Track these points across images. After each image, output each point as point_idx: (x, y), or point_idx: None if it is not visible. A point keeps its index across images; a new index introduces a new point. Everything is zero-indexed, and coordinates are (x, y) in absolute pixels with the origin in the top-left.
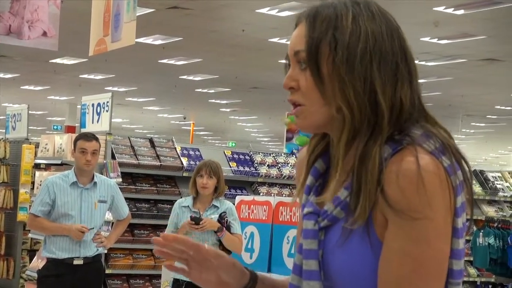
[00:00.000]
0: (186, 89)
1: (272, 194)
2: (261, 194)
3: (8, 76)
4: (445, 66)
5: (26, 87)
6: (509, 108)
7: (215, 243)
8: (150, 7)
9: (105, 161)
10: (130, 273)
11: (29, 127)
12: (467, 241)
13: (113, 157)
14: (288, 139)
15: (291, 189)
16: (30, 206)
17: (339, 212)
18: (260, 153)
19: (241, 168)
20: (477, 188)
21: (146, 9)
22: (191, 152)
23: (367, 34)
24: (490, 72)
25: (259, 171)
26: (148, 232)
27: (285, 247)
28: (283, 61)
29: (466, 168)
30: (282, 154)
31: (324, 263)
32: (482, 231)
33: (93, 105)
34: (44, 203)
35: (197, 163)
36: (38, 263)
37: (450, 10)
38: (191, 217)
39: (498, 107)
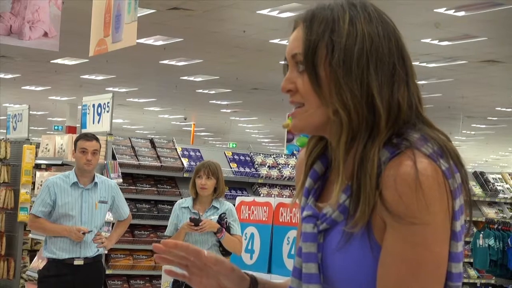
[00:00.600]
0: (187, 90)
1: (273, 195)
2: (262, 195)
3: (9, 76)
4: (445, 67)
5: (27, 87)
6: (509, 109)
7: (215, 244)
8: (151, 8)
9: (105, 162)
10: (130, 273)
11: (30, 128)
12: (467, 242)
13: (113, 157)
14: (289, 140)
15: (291, 190)
16: (30, 206)
17: (338, 216)
18: (261, 154)
19: (241, 169)
20: (477, 190)
21: (147, 10)
22: (192, 153)
23: (363, 36)
24: (491, 74)
25: (260, 172)
26: (148, 232)
27: (285, 248)
28: (284, 62)
29: (463, 171)
30: (283, 155)
31: (324, 266)
32: (482, 232)
33: (94, 105)
34: (44, 204)
35: (198, 164)
36: (38, 263)
37: (451, 12)
38: (190, 218)
39: (499, 108)
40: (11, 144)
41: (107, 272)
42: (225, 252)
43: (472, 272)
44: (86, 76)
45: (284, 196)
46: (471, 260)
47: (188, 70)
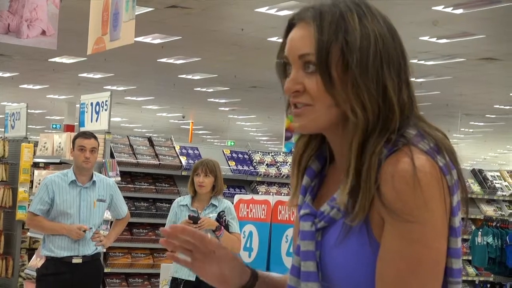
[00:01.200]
0: (185, 88)
1: (271, 193)
2: (260, 193)
3: (7, 75)
4: (444, 65)
5: (25, 86)
6: (508, 107)
7: None
8: (149, 6)
9: (104, 160)
10: (129, 272)
11: (28, 126)
12: (466, 240)
13: (112, 156)
14: (287, 138)
15: (289, 188)
16: (28, 205)
17: (336, 213)
18: (259, 152)
19: (240, 167)
20: (475, 187)
21: (145, 8)
22: (190, 151)
23: (375, 36)
24: (489, 71)
25: (258, 170)
26: (146, 231)
27: (284, 246)
28: (280, 60)
29: (459, 168)
30: (281, 153)
31: (322, 264)
32: (480, 230)
33: (92, 104)
34: (43, 202)
35: (196, 162)
36: (37, 261)
37: (449, 9)
38: (189, 216)
39: (497, 106)
40: (9, 143)
41: (106, 270)
42: None
43: (471, 270)
44: (84, 75)
45: (282, 194)
46: (470, 258)
47: (186, 68)
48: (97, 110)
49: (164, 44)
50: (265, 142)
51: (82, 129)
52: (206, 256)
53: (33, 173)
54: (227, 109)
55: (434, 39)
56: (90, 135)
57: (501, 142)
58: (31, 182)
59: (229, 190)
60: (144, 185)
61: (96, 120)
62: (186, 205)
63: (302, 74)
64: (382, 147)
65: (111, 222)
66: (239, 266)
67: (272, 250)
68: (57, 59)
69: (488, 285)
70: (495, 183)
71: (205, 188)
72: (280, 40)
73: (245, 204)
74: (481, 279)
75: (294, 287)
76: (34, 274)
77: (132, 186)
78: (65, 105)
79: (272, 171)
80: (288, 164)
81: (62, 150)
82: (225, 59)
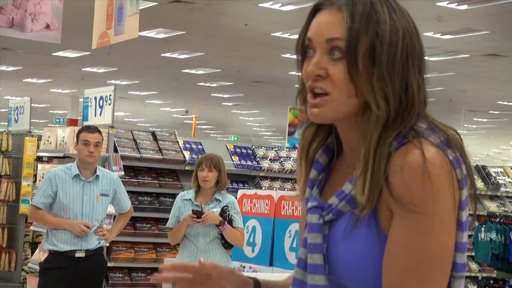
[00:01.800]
0: (189, 83)
1: (274, 188)
2: (263, 188)
3: (11, 69)
4: (447, 61)
5: (29, 80)
6: (511, 103)
7: (217, 237)
8: (153, 0)
9: (107, 154)
10: (131, 266)
11: (32, 120)
12: (469, 236)
13: (115, 150)
14: (290, 134)
15: (293, 183)
16: (32, 198)
17: (344, 206)
18: (262, 147)
19: (243, 162)
20: (479, 184)
21: (149, 3)
22: (194, 146)
23: (404, 31)
24: (493, 68)
25: (261, 165)
26: (150, 225)
27: (287, 241)
28: (286, 55)
29: (468, 164)
30: (284, 148)
31: (329, 257)
32: (484, 226)
33: (95, 98)
34: (46, 195)
35: (199, 156)
36: (40, 255)
37: (453, 5)
38: (193, 210)
39: (501, 102)
40: (12, 137)
41: (109, 264)
42: (227, 245)
43: (474, 266)
44: (87, 69)
45: (286, 189)
46: (473, 254)
47: (189, 63)
48: (101, 104)
49: (168, 38)
50: (268, 137)
51: (85, 123)
52: (204, 284)
53: (37, 167)
54: (230, 104)
55: (438, 35)
56: (94, 129)
57: (504, 138)
58: (35, 176)
59: (232, 185)
60: (148, 180)
61: (100, 115)
62: (190, 199)
63: (327, 59)
64: (392, 139)
65: (114, 217)
66: (239, 279)
67: (275, 245)
68: (61, 53)
69: (491, 281)
70: (499, 179)
71: (209, 183)
72: (284, 36)
73: (249, 199)
74: (484, 275)
75: (300, 280)
76: (37, 268)
77: (136, 180)
78: (69, 99)
79: (276, 166)
80: (291, 159)
81: (66, 144)
82: (229, 54)
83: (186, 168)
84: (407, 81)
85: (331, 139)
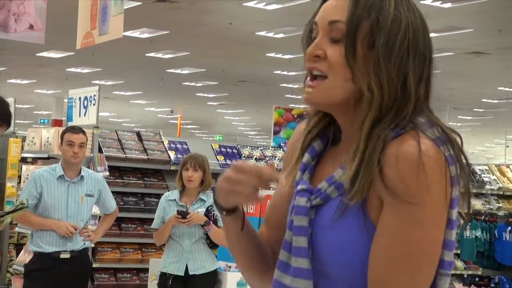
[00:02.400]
0: (173, 83)
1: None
2: None
3: None
4: None
5: (13, 80)
6: (496, 101)
7: (202, 237)
8: (137, 0)
9: (92, 155)
10: (117, 267)
11: (16, 121)
12: None
13: (100, 150)
14: (276, 133)
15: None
16: (16, 200)
17: (333, 191)
18: (248, 147)
19: (228, 162)
20: None
21: (133, 3)
22: (179, 146)
23: (407, 25)
24: (477, 65)
25: None
26: (135, 226)
27: None
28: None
29: (465, 163)
30: (270, 148)
31: (314, 243)
32: (469, 224)
33: (80, 98)
34: (31, 196)
35: (185, 156)
36: (25, 257)
37: (437, 3)
38: (177, 211)
39: (485, 100)
40: None
41: (94, 265)
42: (213, 245)
43: (459, 264)
44: (72, 69)
45: (271, 188)
46: (458, 252)
47: (174, 63)
48: (85, 104)
49: (152, 38)
50: (253, 136)
51: (70, 124)
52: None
53: (21, 168)
54: (215, 103)
55: None
56: (79, 130)
57: (489, 136)
58: (19, 177)
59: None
60: (133, 180)
61: (84, 115)
62: (175, 200)
63: (327, 41)
64: (389, 130)
65: (99, 217)
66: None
67: None
68: (45, 54)
69: (477, 279)
70: (484, 177)
71: (193, 183)
72: (268, 35)
73: None
74: (470, 272)
75: (285, 262)
76: (22, 269)
77: (121, 180)
78: (53, 100)
79: (261, 165)
80: (277, 158)
81: (50, 145)
82: (213, 53)
83: (171, 168)
84: (406, 74)
85: (330, 129)
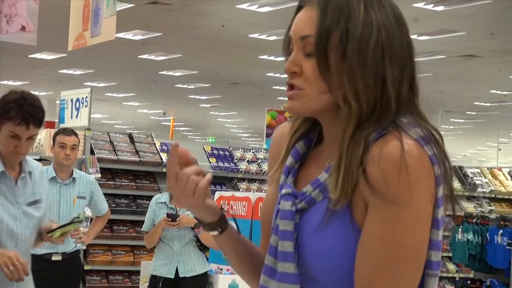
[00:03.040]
0: (166, 85)
1: (252, 190)
2: (241, 190)
3: None
4: (424, 62)
5: (5, 82)
6: (488, 104)
7: (192, 239)
8: (130, 2)
9: (84, 157)
10: (109, 269)
11: None
12: (446, 237)
13: (92, 152)
14: (268, 135)
15: None
16: None
17: (318, 194)
18: (240, 149)
19: (220, 164)
20: (456, 184)
21: (126, 4)
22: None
23: (379, 28)
24: (470, 69)
25: (239, 167)
26: (127, 228)
27: None
28: (263, 56)
29: (447, 164)
30: (262, 150)
31: (300, 247)
32: (461, 227)
33: (72, 100)
34: None
35: None
36: None
37: (430, 6)
38: (167, 213)
39: (477, 103)
40: None
41: (86, 267)
42: (203, 247)
43: (451, 267)
44: (64, 71)
45: (263, 191)
46: (450, 255)
47: (167, 65)
48: (77, 106)
49: (145, 40)
50: (246, 139)
51: (62, 125)
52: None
53: None
54: (208, 105)
55: (415, 36)
56: (71, 132)
57: (481, 139)
58: None
59: (209, 187)
60: (125, 182)
61: (76, 117)
62: (165, 202)
63: (302, 56)
64: (370, 132)
65: (91, 219)
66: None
67: None
68: (37, 55)
69: (469, 282)
70: (475, 180)
71: None
72: (261, 37)
73: (226, 201)
74: (462, 275)
75: (271, 267)
76: None
77: (113, 183)
78: (45, 101)
79: (253, 167)
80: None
81: (42, 147)
82: (206, 55)
83: (163, 170)
84: (383, 79)
85: (314, 131)
